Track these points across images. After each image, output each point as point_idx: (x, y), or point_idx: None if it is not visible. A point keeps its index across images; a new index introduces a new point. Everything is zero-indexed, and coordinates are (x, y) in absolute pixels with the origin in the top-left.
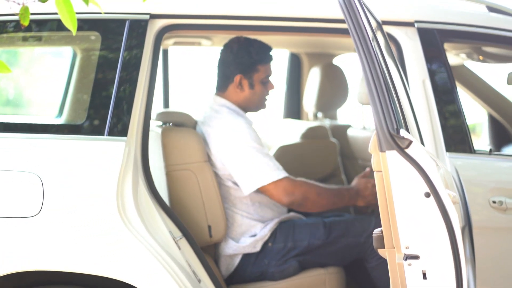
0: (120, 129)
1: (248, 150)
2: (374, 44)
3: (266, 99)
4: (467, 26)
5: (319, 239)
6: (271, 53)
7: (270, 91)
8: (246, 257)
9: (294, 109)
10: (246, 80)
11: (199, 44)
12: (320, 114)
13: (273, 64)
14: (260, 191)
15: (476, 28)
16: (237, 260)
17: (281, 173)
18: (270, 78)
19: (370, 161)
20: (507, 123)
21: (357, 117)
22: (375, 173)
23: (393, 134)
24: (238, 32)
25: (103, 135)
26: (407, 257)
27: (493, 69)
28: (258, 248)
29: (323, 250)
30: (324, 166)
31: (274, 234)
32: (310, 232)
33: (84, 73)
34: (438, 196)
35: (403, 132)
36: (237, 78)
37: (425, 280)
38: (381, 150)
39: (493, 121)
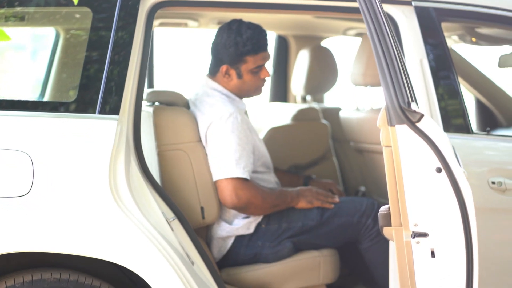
0: (112, 107)
1: (225, 140)
2: (383, 17)
3: (260, 86)
4: (465, 5)
5: (313, 219)
6: (264, 41)
7: (265, 79)
8: (239, 239)
9: (280, 92)
10: (234, 70)
11: (185, 25)
12: (309, 97)
13: (267, 52)
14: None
15: (474, 7)
16: (230, 242)
17: (241, 172)
18: (265, 66)
19: (362, 142)
20: (494, 107)
21: (348, 99)
22: (383, 148)
23: (404, 108)
24: (232, 10)
25: (94, 113)
26: (416, 235)
27: (484, 52)
28: (251, 229)
29: (316, 231)
30: (316, 148)
31: (267, 215)
32: (304, 213)
33: (74, 50)
34: (450, 171)
35: (414, 106)
36: (223, 68)
37: (433, 258)
38: (391, 125)
39: (480, 105)
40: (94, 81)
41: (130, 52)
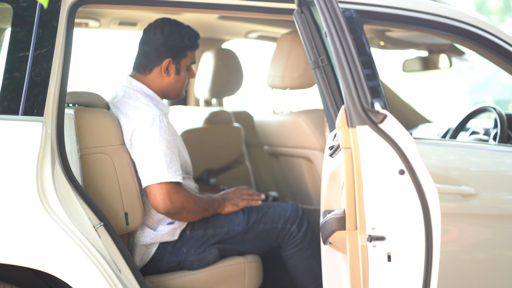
0: (35, 108)
1: (154, 144)
2: (342, 14)
3: (184, 87)
4: (387, 8)
5: (239, 225)
6: (198, 40)
7: (190, 79)
8: (163, 246)
9: None
10: (174, 65)
11: (86, 25)
12: (214, 101)
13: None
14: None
15: (396, 10)
16: (153, 249)
17: (173, 177)
18: (193, 66)
19: (279, 146)
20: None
21: (263, 102)
22: (343, 150)
23: (367, 108)
24: (154, 8)
25: (17, 114)
26: (372, 239)
27: (389, 56)
28: (176, 236)
29: (242, 237)
30: (230, 152)
31: (192, 221)
32: (230, 218)
33: None
34: (414, 173)
35: (377, 106)
36: (166, 62)
37: (389, 262)
38: (351, 126)
39: None
40: (16, 81)
41: (52, 51)
